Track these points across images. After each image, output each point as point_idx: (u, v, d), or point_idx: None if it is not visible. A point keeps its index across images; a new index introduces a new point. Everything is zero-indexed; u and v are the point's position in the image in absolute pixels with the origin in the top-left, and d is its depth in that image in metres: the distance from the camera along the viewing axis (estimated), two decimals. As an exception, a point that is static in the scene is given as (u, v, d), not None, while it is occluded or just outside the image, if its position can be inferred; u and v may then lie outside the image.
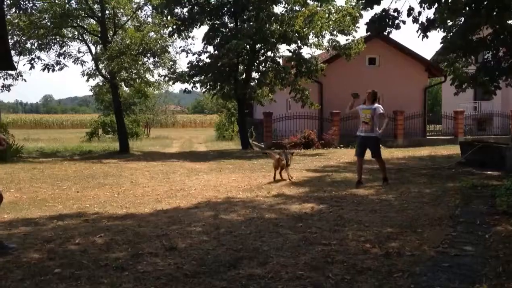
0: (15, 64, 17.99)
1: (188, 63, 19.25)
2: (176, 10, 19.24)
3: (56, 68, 18.67)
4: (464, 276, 3.77)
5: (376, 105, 8.55)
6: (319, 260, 4.16)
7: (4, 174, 10.75)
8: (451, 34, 11.78)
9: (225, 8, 19.53)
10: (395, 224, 5.49)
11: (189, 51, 19.63)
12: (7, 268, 4.00)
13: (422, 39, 9.35)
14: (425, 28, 9.20)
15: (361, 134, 8.64)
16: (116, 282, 3.67)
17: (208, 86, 19.74)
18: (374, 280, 3.68)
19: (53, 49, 18.53)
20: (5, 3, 16.43)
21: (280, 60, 20.49)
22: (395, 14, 8.84)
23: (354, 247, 4.54)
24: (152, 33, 17.66)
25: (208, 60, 19.21)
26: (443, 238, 4.85)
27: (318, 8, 18.03)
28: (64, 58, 18.77)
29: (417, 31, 9.29)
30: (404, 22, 8.85)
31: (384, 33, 9.49)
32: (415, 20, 8.99)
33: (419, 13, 8.97)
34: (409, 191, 7.87)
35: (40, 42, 17.82)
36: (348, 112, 9.10)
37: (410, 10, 8.64)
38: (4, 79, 18.86)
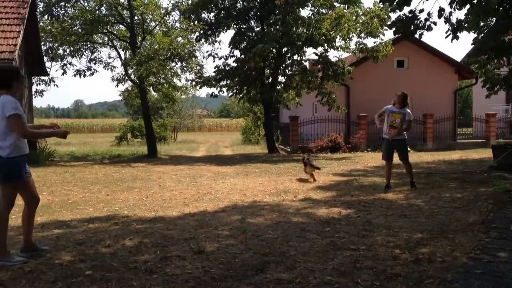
0: (48, 70, 18.56)
1: (214, 68, 19.42)
2: (203, 15, 19.47)
3: (87, 73, 19.18)
4: (497, 283, 3.67)
5: (408, 110, 8.31)
6: (347, 265, 4.11)
7: (37, 178, 11.00)
8: (482, 35, 11.52)
9: (252, 12, 19.63)
10: (425, 229, 5.39)
11: (215, 55, 19.89)
12: (40, 269, 4.10)
13: (452, 41, 9.16)
14: (455, 29, 9.02)
15: (388, 137, 8.40)
16: (145, 284, 3.72)
17: (235, 90, 19.85)
18: (404, 286, 3.61)
19: (84, 55, 19.04)
20: (38, 10, 16.92)
21: (307, 64, 20.43)
22: (424, 15, 8.70)
23: (383, 253, 4.47)
24: (179, 38, 17.91)
25: (234, 64, 19.32)
26: (476, 244, 4.73)
27: (345, 11, 17.91)
28: (95, 63, 19.29)
29: (446, 32, 9.11)
30: (435, 23, 8.69)
31: (416, 35, 9.33)
32: (447, 21, 8.81)
33: (450, 13, 8.79)
34: (439, 195, 7.72)
35: (71, 48, 18.30)
36: (379, 123, 8.71)
37: (441, 11, 8.47)
38: (37, 85, 19.45)
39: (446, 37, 9.16)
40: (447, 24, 8.97)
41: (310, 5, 19.14)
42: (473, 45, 11.91)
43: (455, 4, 8.76)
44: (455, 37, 9.15)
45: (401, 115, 8.27)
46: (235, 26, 19.83)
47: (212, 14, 19.81)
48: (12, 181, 4.34)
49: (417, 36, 9.34)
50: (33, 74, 18.32)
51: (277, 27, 18.48)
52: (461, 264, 4.14)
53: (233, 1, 19.52)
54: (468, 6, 8.86)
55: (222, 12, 19.59)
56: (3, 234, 4.38)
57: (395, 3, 8.51)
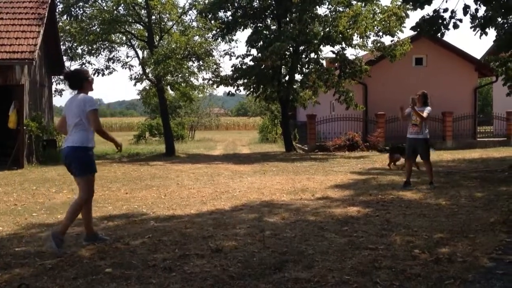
0: (67, 69, 18.80)
1: (231, 66, 19.45)
2: (219, 14, 19.51)
3: (106, 72, 19.35)
4: (520, 284, 3.61)
5: (427, 107, 8.42)
6: (366, 265, 4.08)
7: (57, 176, 11.19)
8: (503, 32, 11.30)
9: (268, 11, 19.60)
10: (445, 229, 5.32)
11: (232, 54, 19.87)
12: (61, 266, 4.16)
13: (480, 37, 8.99)
14: (483, 25, 8.82)
15: (410, 136, 8.59)
16: (164, 282, 3.74)
17: (252, 89, 19.85)
18: (424, 286, 3.57)
19: (102, 54, 19.22)
20: (57, 11, 17.16)
21: (324, 62, 20.33)
22: (448, 13, 8.55)
23: (402, 252, 4.43)
24: (196, 37, 17.95)
25: (251, 63, 19.32)
26: (497, 244, 4.66)
27: (362, 9, 17.77)
28: (113, 62, 19.44)
29: (473, 29, 8.92)
30: (461, 21, 8.54)
31: (438, 35, 9.20)
32: (474, 18, 8.64)
33: (476, 10, 8.62)
34: (459, 195, 7.62)
35: (90, 47, 18.47)
36: (402, 118, 8.81)
37: (466, 8, 8.31)
38: (56, 84, 19.71)
39: (475, 34, 8.97)
40: (474, 21, 8.78)
41: (327, 3, 19.04)
42: (494, 43, 11.69)
43: (479, 1, 8.57)
44: (484, 33, 8.95)
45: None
46: (251, 25, 19.84)
47: (229, 13, 19.85)
48: (89, 173, 4.78)
49: (442, 35, 9.16)
50: (52, 73, 18.56)
51: (294, 25, 18.42)
52: (482, 264, 4.08)
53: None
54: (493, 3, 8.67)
55: (238, 11, 19.61)
56: (88, 216, 4.90)
57: (417, 3, 8.39)
